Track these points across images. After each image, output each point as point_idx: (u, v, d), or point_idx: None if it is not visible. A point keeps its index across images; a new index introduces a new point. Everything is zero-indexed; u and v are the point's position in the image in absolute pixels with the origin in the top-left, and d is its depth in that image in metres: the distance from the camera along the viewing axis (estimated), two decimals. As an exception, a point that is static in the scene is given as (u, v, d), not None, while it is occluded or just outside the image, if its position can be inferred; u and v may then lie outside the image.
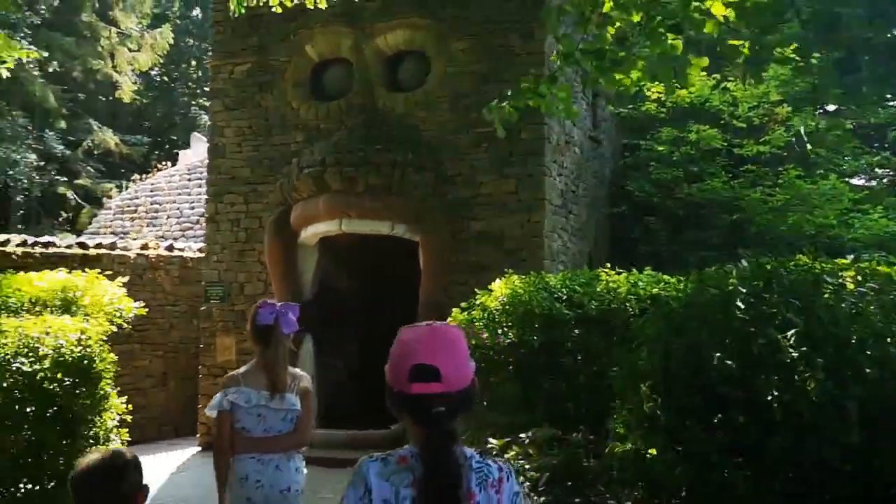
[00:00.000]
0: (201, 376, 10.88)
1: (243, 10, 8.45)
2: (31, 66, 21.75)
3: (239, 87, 10.98)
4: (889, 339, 3.23)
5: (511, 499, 2.02)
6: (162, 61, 27.69)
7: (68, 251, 10.71)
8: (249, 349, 4.84)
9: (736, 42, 4.69)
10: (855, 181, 14.48)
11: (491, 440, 4.38)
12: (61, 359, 5.79)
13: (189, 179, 17.60)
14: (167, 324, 12.09)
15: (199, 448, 10.56)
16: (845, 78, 8.81)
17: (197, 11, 33.02)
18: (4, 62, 8.10)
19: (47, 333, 5.88)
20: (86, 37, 23.90)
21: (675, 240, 12.16)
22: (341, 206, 9.70)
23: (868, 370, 3.11)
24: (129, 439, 9.08)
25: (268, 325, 4.10)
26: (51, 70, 22.83)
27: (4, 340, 5.80)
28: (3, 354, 5.70)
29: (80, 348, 5.88)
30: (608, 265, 6.17)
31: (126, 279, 8.38)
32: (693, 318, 3.42)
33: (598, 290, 5.50)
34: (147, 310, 11.26)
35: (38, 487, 5.62)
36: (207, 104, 14.93)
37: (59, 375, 5.71)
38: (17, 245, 10.05)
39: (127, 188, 19.59)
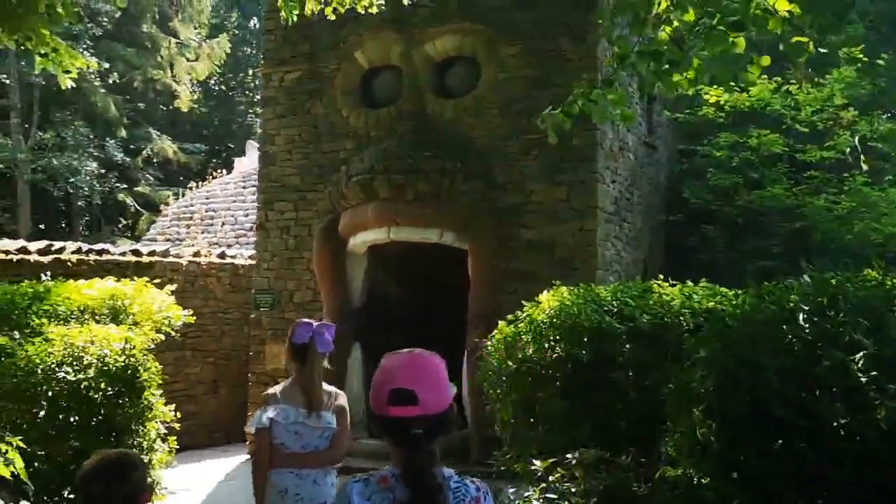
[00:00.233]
0: (251, 384, 10.89)
1: (295, 18, 8.40)
2: (93, 76, 22.26)
3: (289, 95, 10.99)
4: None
5: None
6: (220, 71, 28.14)
7: (122, 258, 10.82)
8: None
9: (802, 39, 4.41)
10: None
11: (534, 462, 4.19)
12: (105, 368, 5.78)
13: (244, 187, 17.77)
14: (218, 331, 12.16)
15: (249, 455, 10.55)
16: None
17: (254, 21, 33.51)
18: (69, 72, 8.21)
19: (92, 342, 5.88)
20: (146, 47, 24.43)
21: (733, 248, 11.76)
22: (390, 213, 9.60)
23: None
24: (178, 446, 9.14)
25: (304, 343, 4.21)
26: (111, 81, 23.32)
27: (50, 349, 5.82)
28: (48, 363, 5.72)
29: (123, 357, 5.86)
30: (661, 275, 5.91)
31: (175, 287, 8.36)
32: (750, 336, 3.18)
33: (651, 302, 5.26)
34: (196, 318, 11.42)
35: (82, 497, 5.59)
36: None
37: (102, 385, 5.70)
38: (72, 252, 10.18)
39: (183, 196, 19.89)
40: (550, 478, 4.05)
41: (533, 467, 4.10)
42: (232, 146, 29.41)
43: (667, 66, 4.43)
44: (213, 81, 31.08)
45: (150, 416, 6.11)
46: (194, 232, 17.84)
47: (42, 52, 7.81)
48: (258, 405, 4.52)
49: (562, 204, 9.46)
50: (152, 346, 7.65)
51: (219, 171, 20.77)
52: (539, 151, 9.53)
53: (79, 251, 10.29)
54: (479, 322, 8.86)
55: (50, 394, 5.65)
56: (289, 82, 11.00)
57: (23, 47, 7.71)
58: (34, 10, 7.26)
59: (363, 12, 8.39)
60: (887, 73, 10.80)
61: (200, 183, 19.95)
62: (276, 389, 4.32)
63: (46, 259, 9.76)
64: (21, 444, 4.38)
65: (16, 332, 6.15)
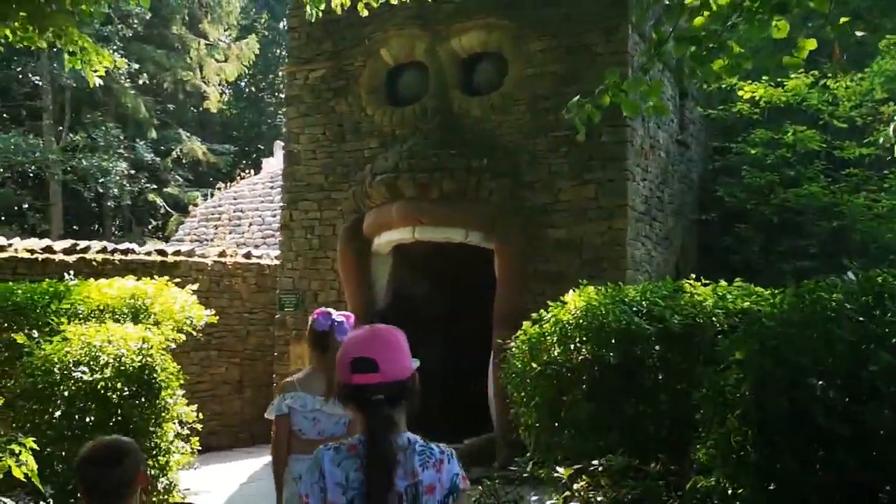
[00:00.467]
0: (275, 385, 10.77)
1: (320, 13, 8.27)
2: (124, 78, 22.41)
3: (314, 93, 10.87)
4: None
5: (451, 478, 2.23)
6: (249, 72, 28.22)
7: (147, 258, 10.78)
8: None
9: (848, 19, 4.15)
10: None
11: (557, 469, 3.98)
12: (122, 368, 5.68)
13: (272, 187, 17.75)
14: (244, 331, 12.08)
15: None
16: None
17: (284, 23, 33.57)
18: (96, 70, 8.22)
19: (109, 342, 5.79)
20: (176, 49, 24.55)
21: (769, 248, 11.42)
22: (414, 213, 9.43)
23: None
24: (203, 447, 9.06)
25: (324, 331, 4.27)
26: (141, 82, 23.48)
27: (67, 348, 5.74)
28: (65, 362, 5.64)
29: (140, 357, 5.76)
30: (693, 276, 5.66)
31: (196, 286, 8.29)
32: (790, 338, 2.95)
33: (682, 303, 5.02)
34: (221, 318, 11.34)
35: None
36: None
37: (118, 385, 5.61)
38: (97, 252, 10.15)
39: (212, 196, 19.93)
40: (575, 486, 3.85)
41: (556, 474, 3.89)
42: (262, 147, 29.49)
43: (706, 52, 4.17)
44: (243, 83, 31.20)
45: (167, 416, 6.01)
46: (222, 232, 17.86)
47: (70, 50, 7.83)
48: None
49: (591, 202, 9.23)
50: (174, 346, 7.59)
51: (247, 171, 20.77)
52: (567, 149, 9.31)
53: (104, 251, 10.26)
54: (505, 323, 8.65)
55: (66, 394, 5.59)
56: (313, 80, 10.89)
57: (53, 47, 7.71)
58: (62, 8, 7.24)
59: (391, 6, 8.21)
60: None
61: (229, 184, 19.97)
62: (294, 377, 4.41)
63: (71, 259, 9.73)
64: (34, 444, 4.29)
65: (34, 332, 6.09)
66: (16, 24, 6.79)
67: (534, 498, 4.28)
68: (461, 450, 9.30)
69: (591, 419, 4.82)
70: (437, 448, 2.29)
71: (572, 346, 5.08)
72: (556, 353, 5.11)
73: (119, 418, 5.57)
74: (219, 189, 19.74)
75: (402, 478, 2.18)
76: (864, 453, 2.74)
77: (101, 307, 6.81)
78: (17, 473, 4.30)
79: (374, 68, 10.54)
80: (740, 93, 10.51)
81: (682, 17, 4.54)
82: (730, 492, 3.04)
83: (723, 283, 5.40)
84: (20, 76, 23.17)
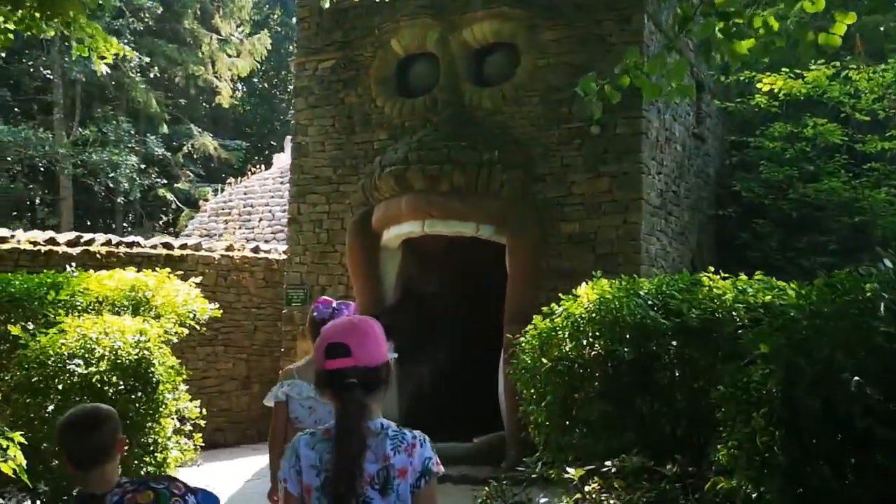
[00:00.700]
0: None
1: (334, 1, 8.07)
2: (135, 71, 22.32)
3: (323, 85, 10.68)
4: None
5: (424, 462, 2.27)
6: (262, 68, 28.08)
7: (153, 251, 10.62)
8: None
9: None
10: None
11: (568, 469, 3.76)
12: (118, 361, 5.50)
13: (282, 182, 17.57)
14: (252, 326, 11.90)
15: (279, 454, 10.27)
16: None
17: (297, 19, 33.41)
18: (103, 58, 8.10)
19: (106, 334, 5.61)
20: (188, 43, 24.43)
21: (787, 245, 11.13)
22: (424, 206, 9.23)
23: None
24: (210, 444, 8.90)
25: (324, 319, 4.13)
26: (152, 75, 23.37)
27: (63, 340, 5.57)
28: (60, 355, 5.47)
29: (137, 351, 5.57)
30: (712, 270, 5.41)
31: (200, 279, 8.10)
32: (822, 331, 2.72)
33: (700, 296, 4.78)
34: (228, 313, 11.21)
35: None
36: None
37: (114, 379, 5.42)
38: (102, 244, 9.99)
39: (222, 191, 19.79)
40: (586, 488, 3.62)
41: (567, 476, 3.67)
42: (274, 144, 29.37)
43: (734, 29, 3.89)
44: (256, 79, 31.08)
45: (164, 412, 5.82)
46: (232, 227, 17.72)
47: (79, 38, 7.73)
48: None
49: (605, 196, 9.01)
50: (175, 339, 7.41)
51: (258, 167, 20.62)
52: (581, 141, 9.10)
53: (108, 243, 10.11)
54: (516, 319, 8.41)
55: (60, 387, 5.41)
56: (322, 71, 10.70)
57: (63, 40, 7.63)
58: (72, -3, 7.13)
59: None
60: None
61: (240, 179, 19.84)
62: (295, 365, 4.47)
63: (75, 251, 9.58)
64: (22, 439, 4.12)
65: (30, 323, 5.92)
66: (24, 11, 6.65)
67: (543, 500, 4.06)
68: (470, 449, 9.10)
69: (604, 418, 4.59)
70: (409, 433, 2.33)
71: (585, 341, 4.85)
72: (567, 349, 4.89)
73: (115, 413, 5.37)
74: (229, 184, 19.60)
75: (372, 461, 2.23)
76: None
77: (101, 299, 6.63)
78: (6, 469, 4.13)
79: (385, 59, 10.34)
80: (759, 85, 10.23)
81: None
82: (754, 496, 2.81)
83: (743, 276, 5.16)
84: (31, 70, 23.10)
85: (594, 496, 3.59)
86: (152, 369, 5.63)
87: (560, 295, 5.67)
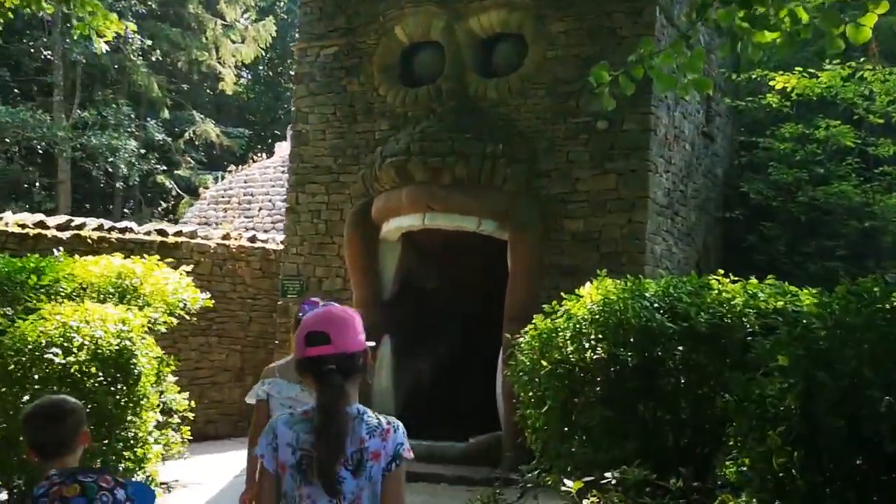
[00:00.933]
0: (273, 373, 10.37)
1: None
2: (136, 54, 22.06)
3: (325, 71, 10.44)
4: None
5: (396, 447, 2.34)
6: (267, 55, 27.82)
7: (146, 238, 10.39)
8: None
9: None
10: None
11: (566, 482, 3.53)
12: (98, 351, 5.27)
13: (283, 171, 17.32)
14: (246, 317, 11.69)
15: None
16: None
17: (303, 6, 33.10)
18: (103, 36, 7.88)
19: (87, 322, 5.38)
20: (191, 28, 24.16)
21: (795, 249, 10.88)
22: (425, 198, 9.00)
23: None
24: (202, 436, 8.66)
25: None
26: (154, 59, 23.12)
27: (42, 328, 5.34)
28: (38, 343, 5.25)
29: (118, 341, 5.34)
30: (722, 273, 5.17)
31: (190, 268, 7.88)
32: (846, 343, 2.48)
33: (708, 300, 4.55)
34: (223, 303, 11.00)
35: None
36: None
37: (93, 369, 5.20)
38: (93, 229, 9.76)
39: (223, 179, 19.58)
40: (585, 501, 3.39)
41: (564, 489, 3.44)
42: (278, 133, 29.12)
43: (757, 17, 3.60)
44: (261, 67, 30.82)
45: (147, 405, 5.59)
46: (231, 216, 17.52)
47: (80, 16, 7.53)
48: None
49: (610, 194, 8.78)
50: (164, 329, 7.19)
51: (260, 155, 20.40)
52: (588, 136, 8.87)
53: (100, 228, 9.88)
54: (517, 318, 8.20)
55: (38, 376, 5.18)
56: (324, 58, 10.46)
57: (63, 16, 7.43)
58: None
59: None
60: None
61: (241, 167, 19.62)
62: (276, 364, 4.47)
63: (65, 235, 9.36)
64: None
65: (9, 309, 5.70)
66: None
67: (537, 512, 3.83)
68: (467, 449, 8.89)
69: (605, 425, 4.36)
70: (384, 419, 2.41)
71: (587, 344, 4.61)
72: (568, 351, 4.65)
73: (93, 405, 5.14)
74: (229, 172, 19.37)
75: (348, 444, 2.31)
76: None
77: (85, 286, 6.40)
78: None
79: (388, 47, 10.09)
80: (772, 83, 9.95)
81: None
82: (766, 519, 2.59)
83: (753, 280, 4.92)
84: (31, 50, 22.84)
85: (593, 512, 3.36)
86: (134, 360, 5.40)
87: (562, 294, 5.43)
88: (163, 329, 7.20)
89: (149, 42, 22.17)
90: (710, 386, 4.40)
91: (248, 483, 4.16)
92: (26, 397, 5.04)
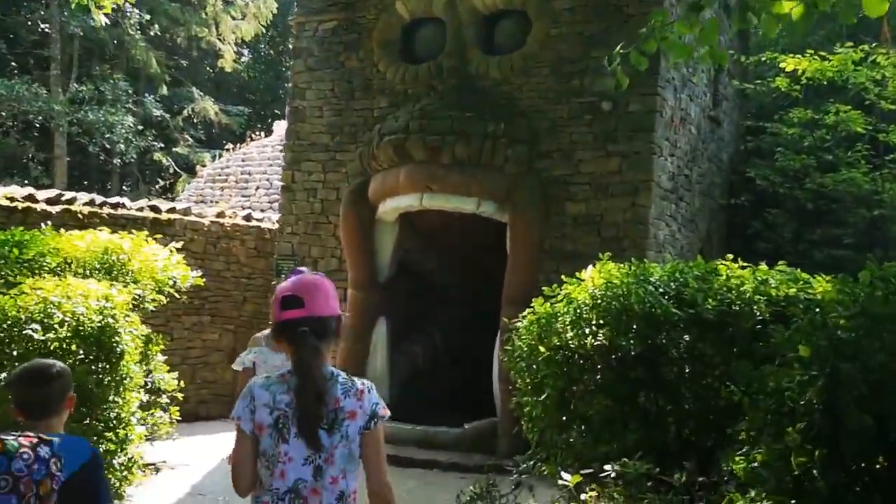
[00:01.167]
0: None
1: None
2: (135, 28, 21.73)
3: (323, 47, 10.18)
4: None
5: (372, 406, 2.47)
6: (268, 33, 27.46)
7: (138, 214, 10.15)
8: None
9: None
10: None
11: (563, 475, 3.33)
12: (80, 328, 5.07)
13: (281, 150, 17.02)
14: (240, 297, 11.46)
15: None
16: None
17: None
18: (102, 7, 7.62)
19: (68, 298, 5.17)
20: (191, 3, 23.79)
21: (801, 237, 10.65)
22: (423, 178, 8.78)
23: None
24: (185, 417, 8.48)
25: None
26: (153, 33, 22.77)
27: (21, 303, 5.13)
28: (17, 318, 5.04)
29: (100, 317, 5.14)
30: (731, 258, 4.94)
31: (180, 244, 7.66)
32: (873, 335, 2.27)
33: (716, 286, 4.34)
34: (213, 281, 10.79)
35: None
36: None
37: (73, 347, 4.99)
38: (84, 204, 9.52)
39: (220, 157, 19.33)
40: (583, 496, 3.19)
41: (561, 482, 3.24)
42: (278, 112, 28.81)
43: None
44: (262, 45, 30.46)
45: (130, 385, 5.38)
46: (228, 194, 17.30)
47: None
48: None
49: (613, 177, 8.56)
50: (152, 307, 6.99)
51: (258, 134, 20.13)
52: (591, 117, 8.65)
53: (91, 203, 9.63)
54: (515, 301, 8.00)
55: (16, 353, 4.97)
56: (323, 32, 10.20)
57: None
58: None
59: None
60: None
61: (239, 145, 19.36)
62: (263, 333, 4.64)
63: (55, 209, 9.12)
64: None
65: (-11, 283, 5.48)
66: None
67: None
68: (461, 435, 8.71)
69: (605, 414, 4.16)
70: (357, 380, 2.52)
71: (587, 330, 4.40)
72: (568, 337, 4.44)
73: (74, 384, 4.92)
74: (227, 150, 19.11)
75: (324, 404, 2.42)
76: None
77: (70, 261, 6.18)
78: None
79: (389, 22, 9.84)
80: (782, 65, 9.68)
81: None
82: (780, 521, 2.40)
83: (763, 266, 4.71)
84: (29, 23, 22.49)
85: (591, 506, 3.17)
86: (117, 338, 5.19)
87: (563, 277, 5.22)
88: (151, 307, 7.00)
89: (147, 17, 21.83)
90: (716, 376, 4.20)
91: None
92: (3, 374, 4.83)
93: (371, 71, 9.83)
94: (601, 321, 4.39)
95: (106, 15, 8.01)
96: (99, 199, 9.90)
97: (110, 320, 5.17)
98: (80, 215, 9.33)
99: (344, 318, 2.66)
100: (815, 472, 2.28)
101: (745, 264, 4.76)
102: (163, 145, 23.76)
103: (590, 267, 5.03)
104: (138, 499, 6.43)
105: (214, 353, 11.20)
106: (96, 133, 20.83)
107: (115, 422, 5.27)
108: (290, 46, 10.93)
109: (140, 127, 22.58)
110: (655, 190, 8.53)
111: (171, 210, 10.74)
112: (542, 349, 4.47)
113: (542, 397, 4.38)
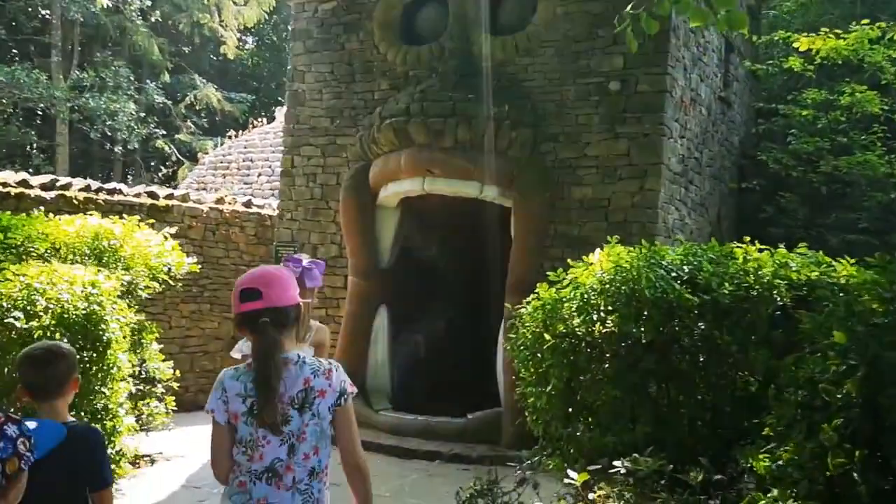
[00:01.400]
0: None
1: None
2: (136, 14, 21.46)
3: (322, 28, 9.91)
4: None
5: (340, 384, 2.60)
6: (272, 19, 27.17)
7: (135, 200, 9.92)
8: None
9: None
10: None
11: (570, 473, 3.10)
12: (64, 315, 4.84)
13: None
14: (240, 284, 11.24)
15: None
16: None
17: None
18: None
19: (53, 284, 4.95)
20: (194, -12, 23.55)
21: (814, 222, 10.37)
22: (425, 162, 8.53)
23: None
24: (181, 407, 8.29)
25: (296, 279, 3.88)
26: (154, 20, 22.50)
27: (3, 290, 4.91)
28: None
29: (86, 304, 4.91)
30: (748, 241, 4.67)
31: (174, 230, 7.44)
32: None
33: (732, 270, 4.09)
34: (210, 267, 10.58)
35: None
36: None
37: (57, 336, 4.77)
38: (80, 190, 9.30)
39: (222, 144, 19.11)
40: (591, 495, 2.96)
41: (567, 481, 3.01)
42: (282, 99, 28.53)
43: None
44: (266, 32, 30.18)
45: (117, 375, 5.16)
46: (230, 181, 17.11)
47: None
48: None
49: (621, 160, 8.29)
50: (144, 294, 6.79)
51: (259, 120, 19.88)
52: (599, 98, 8.37)
53: (87, 189, 9.40)
54: (519, 288, 7.76)
55: (-2, 342, 4.76)
56: (322, 13, 9.93)
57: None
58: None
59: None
60: None
61: (241, 132, 19.14)
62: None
63: (50, 195, 8.88)
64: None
65: (-29, 269, 5.26)
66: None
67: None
68: (464, 425, 8.48)
69: (613, 406, 3.93)
70: (324, 361, 2.65)
71: (595, 317, 4.16)
72: (574, 324, 4.20)
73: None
74: (229, 137, 18.88)
75: (293, 385, 2.53)
76: None
77: (58, 246, 5.97)
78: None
79: (389, 2, 9.57)
80: (796, 44, 9.37)
81: None
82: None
83: (782, 248, 4.45)
84: (29, 9, 22.22)
85: (600, 506, 2.93)
86: (103, 326, 4.97)
87: (570, 262, 4.97)
88: (144, 294, 6.80)
89: (149, 3, 21.54)
90: (731, 364, 3.96)
91: None
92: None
93: (371, 52, 9.57)
94: (610, 307, 4.14)
95: (107, 0, 7.78)
96: (95, 184, 9.67)
97: (96, 307, 4.95)
98: (75, 201, 9.10)
99: (302, 306, 2.75)
100: (854, 474, 2.04)
101: (762, 247, 4.50)
102: (165, 132, 23.52)
103: (597, 251, 4.77)
104: (130, 492, 6.22)
105: (214, 341, 11.01)
106: (98, 120, 20.59)
107: (102, 413, 5.05)
108: (290, 28, 10.65)
109: (142, 114, 22.35)
110: (665, 173, 8.27)
111: (169, 196, 10.52)
112: (546, 337, 4.23)
113: (548, 388, 4.14)
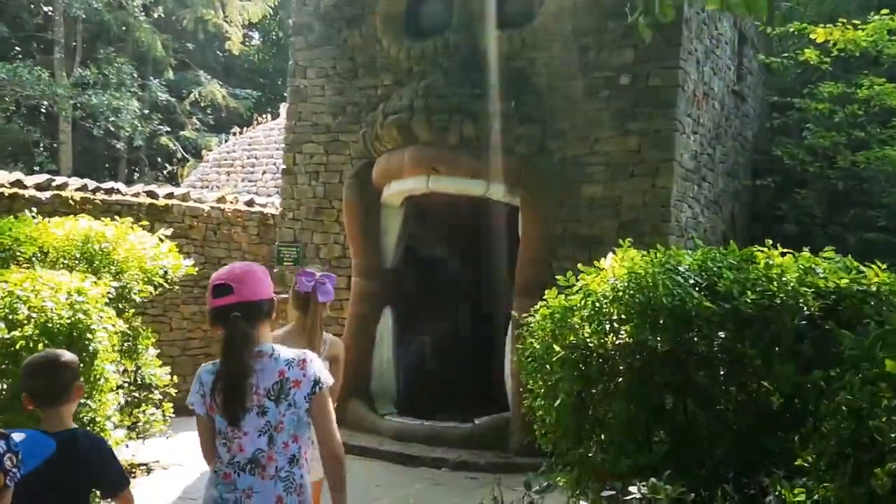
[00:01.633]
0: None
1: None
2: (139, 10, 21.25)
3: (325, 22, 9.68)
4: None
5: (313, 374, 2.67)
6: (278, 15, 26.95)
7: (134, 199, 9.71)
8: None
9: None
10: None
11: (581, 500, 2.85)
12: (48, 324, 4.61)
13: (288, 133, 16.63)
14: (243, 285, 11.02)
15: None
16: None
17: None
18: None
19: (36, 292, 4.72)
20: (198, -16, 23.34)
21: (831, 219, 10.06)
22: (429, 159, 8.30)
23: None
24: (174, 414, 8.04)
25: (306, 292, 4.25)
26: (157, 15, 22.29)
27: (-14, 298, 4.69)
28: (-20, 315, 4.60)
29: (71, 313, 4.68)
30: (770, 243, 4.39)
31: (170, 231, 7.22)
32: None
33: (754, 276, 3.83)
34: (205, 268, 10.32)
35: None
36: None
37: (40, 346, 4.54)
38: (76, 189, 9.08)
39: (227, 142, 18.90)
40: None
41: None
42: (286, 96, 28.33)
43: None
44: (271, 28, 29.97)
45: (105, 387, 4.93)
46: (234, 179, 16.90)
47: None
48: None
49: (632, 156, 8.03)
50: (138, 299, 6.56)
51: (264, 116, 19.66)
52: (609, 93, 8.11)
53: (84, 188, 9.19)
54: (528, 291, 7.54)
55: (-21, 353, 4.54)
56: (325, 7, 9.70)
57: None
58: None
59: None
60: None
61: (245, 129, 18.93)
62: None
63: (45, 195, 8.68)
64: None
65: (-46, 275, 5.03)
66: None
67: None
68: (471, 431, 8.23)
69: (627, 423, 3.67)
70: (298, 352, 2.70)
71: (608, 326, 3.90)
72: (585, 334, 3.94)
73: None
74: (234, 134, 18.67)
75: (268, 377, 2.61)
76: None
77: (46, 250, 5.74)
78: None
79: (393, -5, 9.29)
80: (812, 36, 9.07)
81: None
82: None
83: (806, 252, 4.18)
84: (31, 6, 22.04)
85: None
86: (89, 336, 4.74)
87: (579, 265, 4.71)
88: (138, 298, 6.57)
89: (153, -1, 21.38)
90: (750, 373, 3.70)
91: None
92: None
93: (374, 47, 9.32)
94: (623, 316, 3.88)
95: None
96: (92, 184, 9.46)
97: (82, 316, 4.71)
98: (71, 202, 8.89)
99: (277, 299, 2.80)
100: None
101: (785, 250, 4.23)
102: (169, 129, 23.33)
103: (609, 254, 4.51)
104: (124, 505, 5.99)
105: (216, 344, 10.75)
106: (101, 117, 20.40)
107: (89, 426, 4.82)
108: (291, 22, 10.40)
109: (146, 111, 22.15)
110: (677, 170, 7.99)
111: (169, 195, 10.30)
112: (556, 348, 3.97)
113: (557, 403, 3.89)
